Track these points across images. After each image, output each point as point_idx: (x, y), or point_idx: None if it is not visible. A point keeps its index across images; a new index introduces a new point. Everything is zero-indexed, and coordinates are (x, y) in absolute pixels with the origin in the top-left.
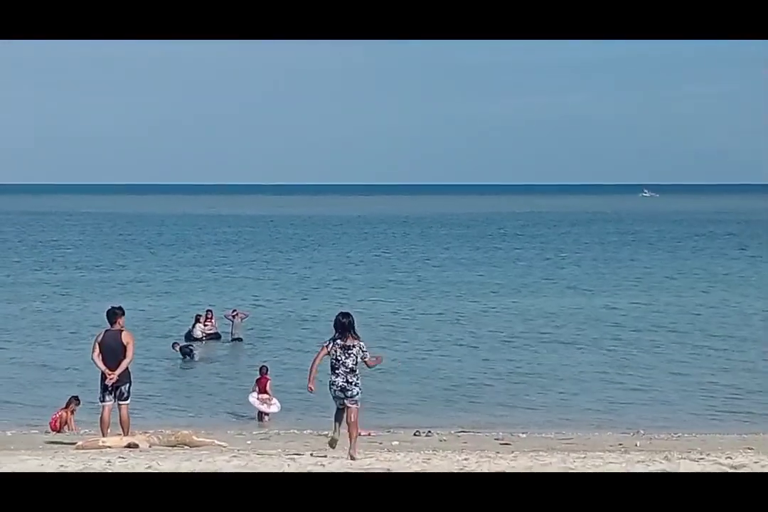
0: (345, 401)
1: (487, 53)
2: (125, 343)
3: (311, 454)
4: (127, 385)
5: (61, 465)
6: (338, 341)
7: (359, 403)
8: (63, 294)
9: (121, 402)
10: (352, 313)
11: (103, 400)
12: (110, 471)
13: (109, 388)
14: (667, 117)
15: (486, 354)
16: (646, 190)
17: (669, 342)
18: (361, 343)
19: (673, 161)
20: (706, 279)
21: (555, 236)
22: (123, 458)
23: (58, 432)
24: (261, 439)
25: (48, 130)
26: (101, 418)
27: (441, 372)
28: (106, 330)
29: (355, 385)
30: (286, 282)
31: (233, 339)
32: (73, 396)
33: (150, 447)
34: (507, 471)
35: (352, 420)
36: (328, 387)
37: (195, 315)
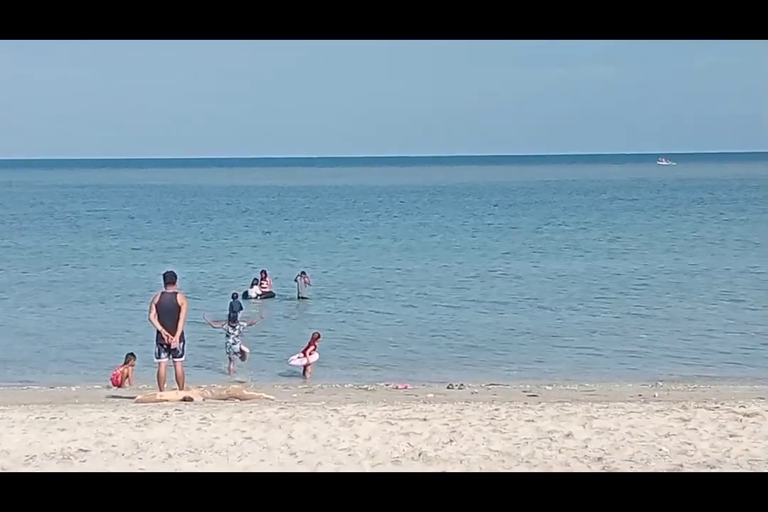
0: (234, 350)
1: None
2: (180, 304)
3: (353, 405)
4: (182, 344)
5: (123, 417)
6: (230, 321)
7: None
8: (110, 260)
9: (176, 359)
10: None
11: (158, 357)
12: (110, 472)
13: (165, 346)
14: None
15: (510, 314)
16: (662, 159)
17: (671, 301)
18: (242, 323)
19: (694, 129)
20: (697, 242)
21: (567, 203)
22: (179, 410)
23: (119, 386)
24: (306, 393)
25: (105, 105)
26: (158, 374)
27: (469, 330)
28: (162, 293)
29: (238, 343)
30: (334, 248)
31: (300, 298)
32: (129, 353)
33: (204, 400)
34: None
35: (246, 355)
36: (224, 344)
37: (253, 278)
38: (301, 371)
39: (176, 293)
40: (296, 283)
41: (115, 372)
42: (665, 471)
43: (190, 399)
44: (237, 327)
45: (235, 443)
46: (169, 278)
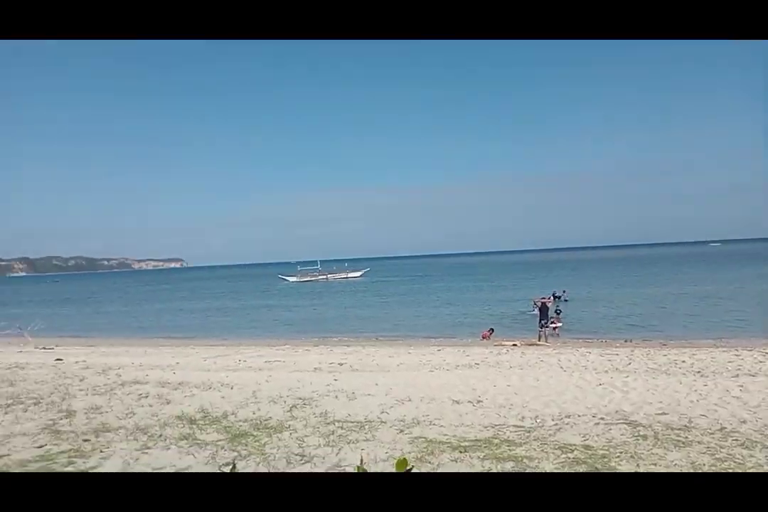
0: (547, 325)
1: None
2: (548, 306)
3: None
4: (546, 321)
5: (489, 351)
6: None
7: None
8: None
9: (545, 328)
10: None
11: (540, 328)
12: (109, 471)
13: (542, 323)
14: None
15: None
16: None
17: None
18: (551, 317)
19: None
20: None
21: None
22: (512, 349)
23: (487, 339)
24: (561, 344)
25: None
26: (539, 334)
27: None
28: (543, 301)
29: (548, 321)
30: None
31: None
32: (490, 328)
33: (521, 345)
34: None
35: (557, 329)
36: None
37: (549, 296)
38: (553, 333)
39: (547, 301)
40: (535, 307)
41: (484, 333)
42: (660, 472)
43: (515, 345)
44: (546, 316)
45: (528, 361)
46: (548, 297)
